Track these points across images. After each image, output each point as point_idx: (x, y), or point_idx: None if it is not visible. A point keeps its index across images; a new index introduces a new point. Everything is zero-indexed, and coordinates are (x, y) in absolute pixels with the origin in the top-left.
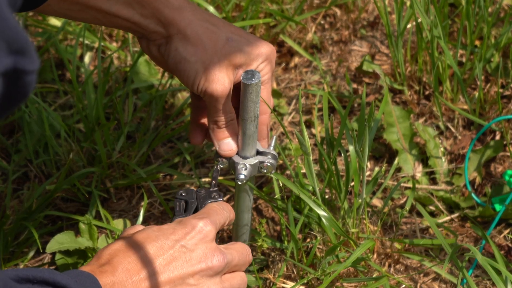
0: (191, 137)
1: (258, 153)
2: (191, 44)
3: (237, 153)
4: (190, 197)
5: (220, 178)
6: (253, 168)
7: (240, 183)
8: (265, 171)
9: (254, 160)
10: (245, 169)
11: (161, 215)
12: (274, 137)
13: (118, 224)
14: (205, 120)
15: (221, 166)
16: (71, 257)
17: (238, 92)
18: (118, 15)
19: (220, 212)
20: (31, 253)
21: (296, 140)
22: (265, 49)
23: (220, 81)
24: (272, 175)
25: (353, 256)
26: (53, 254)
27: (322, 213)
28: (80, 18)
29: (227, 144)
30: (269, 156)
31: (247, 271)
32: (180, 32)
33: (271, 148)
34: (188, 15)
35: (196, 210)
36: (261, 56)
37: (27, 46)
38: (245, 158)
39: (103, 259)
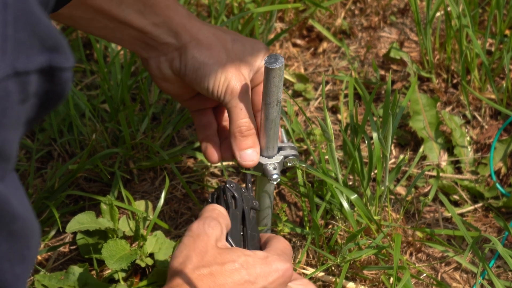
0: (208, 156)
1: (278, 149)
2: (205, 48)
3: (262, 155)
4: (238, 193)
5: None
6: (280, 165)
7: (275, 182)
8: (291, 164)
9: (279, 157)
10: (275, 168)
11: (184, 198)
12: (282, 130)
13: (139, 205)
14: (213, 134)
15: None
16: (92, 238)
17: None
18: (131, 24)
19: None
20: (52, 232)
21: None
22: (263, 46)
23: (239, 78)
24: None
25: (376, 240)
26: (74, 234)
27: (350, 195)
28: (90, 27)
29: (249, 155)
30: (289, 149)
31: None
32: (193, 39)
33: (285, 140)
34: (196, 22)
35: (243, 214)
36: (262, 53)
37: (61, 43)
38: (270, 157)
39: None
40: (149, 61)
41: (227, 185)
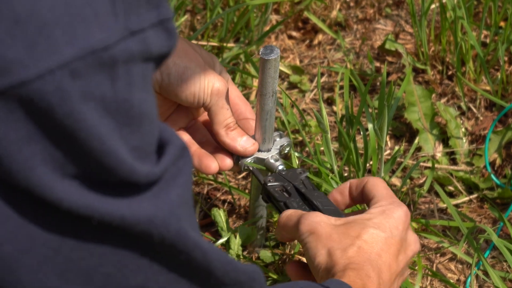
0: (205, 168)
1: None
2: (183, 53)
3: (259, 149)
4: (280, 180)
5: None
6: (280, 155)
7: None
8: (287, 150)
9: (276, 146)
10: (277, 159)
11: None
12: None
13: None
14: (199, 148)
15: (251, 168)
16: None
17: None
18: None
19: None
20: None
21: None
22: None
23: (220, 78)
24: (292, 152)
25: None
26: None
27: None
28: None
29: (247, 141)
30: (280, 137)
31: (263, 246)
32: None
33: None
34: None
35: (298, 191)
36: (216, 58)
37: None
38: (267, 150)
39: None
40: None
41: (268, 184)
